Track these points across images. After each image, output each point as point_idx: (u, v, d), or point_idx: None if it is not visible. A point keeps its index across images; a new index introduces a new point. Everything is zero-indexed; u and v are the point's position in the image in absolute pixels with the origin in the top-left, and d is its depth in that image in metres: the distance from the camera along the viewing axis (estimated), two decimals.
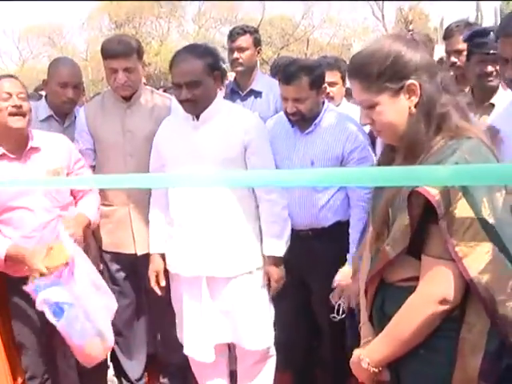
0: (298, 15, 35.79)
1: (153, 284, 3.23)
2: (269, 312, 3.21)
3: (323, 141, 3.09)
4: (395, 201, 1.74)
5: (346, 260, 3.03)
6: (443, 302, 1.63)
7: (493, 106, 3.10)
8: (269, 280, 3.13)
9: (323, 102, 3.18)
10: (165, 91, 4.75)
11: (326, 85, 3.17)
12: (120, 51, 3.29)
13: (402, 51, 1.72)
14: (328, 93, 3.66)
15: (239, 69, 4.23)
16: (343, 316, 2.95)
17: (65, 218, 3.00)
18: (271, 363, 3.36)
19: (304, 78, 3.01)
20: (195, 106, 3.00)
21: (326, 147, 3.08)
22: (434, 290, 1.64)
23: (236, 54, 4.20)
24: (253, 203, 3.11)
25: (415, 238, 1.67)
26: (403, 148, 1.76)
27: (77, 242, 2.92)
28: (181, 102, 3.00)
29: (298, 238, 3.10)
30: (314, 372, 3.44)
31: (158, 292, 3.23)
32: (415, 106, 1.72)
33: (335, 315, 2.94)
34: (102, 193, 3.40)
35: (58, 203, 3.06)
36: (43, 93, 4.60)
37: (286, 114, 3.11)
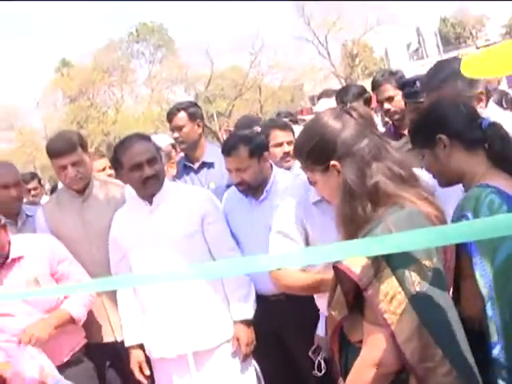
0: (246, 65, 36.34)
1: (137, 375, 3.23)
2: (255, 377, 3.27)
3: (277, 206, 3.08)
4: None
5: None
6: (380, 365, 1.66)
7: None
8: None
9: (271, 167, 3.28)
10: None
11: (267, 153, 3.26)
12: (64, 148, 3.36)
13: (323, 132, 1.83)
14: (288, 152, 3.76)
15: (182, 146, 4.30)
16: (324, 372, 2.94)
17: (23, 332, 2.97)
18: None
19: (242, 149, 3.12)
20: (158, 183, 3.10)
21: None
22: (371, 354, 1.68)
23: (176, 134, 4.27)
24: None
25: (357, 303, 1.72)
26: (339, 222, 1.82)
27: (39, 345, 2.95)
28: (144, 181, 3.06)
29: (269, 302, 3.15)
30: None
31: (145, 382, 3.24)
32: (342, 183, 1.79)
33: (317, 372, 2.95)
34: None
35: (41, 307, 3.09)
36: None
37: (235, 184, 3.23)
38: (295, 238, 2.67)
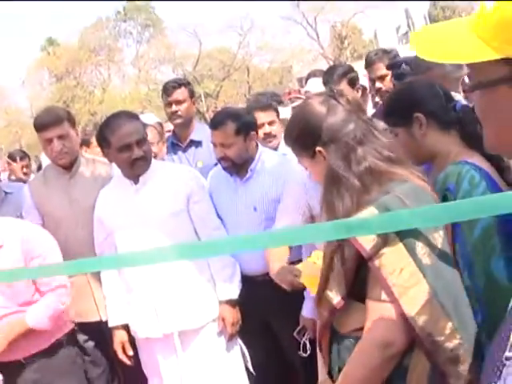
0: (235, 45, 36.19)
1: (121, 356, 3.23)
2: (240, 355, 3.27)
3: (261, 185, 3.17)
4: (334, 247, 1.75)
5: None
6: (387, 345, 1.61)
7: None
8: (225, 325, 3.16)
9: (257, 147, 3.26)
10: None
11: (254, 132, 3.24)
12: (50, 121, 3.36)
13: (308, 118, 1.83)
14: (270, 132, 3.82)
15: (178, 121, 4.26)
16: (309, 352, 2.97)
17: None
18: None
19: (230, 125, 3.10)
20: (147, 163, 3.08)
21: (265, 191, 3.15)
22: (377, 334, 1.63)
23: (174, 107, 4.24)
24: None
25: (361, 283, 1.69)
26: (323, 208, 1.81)
27: None
28: (132, 162, 3.03)
29: (255, 283, 3.14)
30: None
31: (128, 362, 3.25)
32: (326, 169, 1.79)
33: (302, 352, 2.95)
34: None
35: (15, 300, 3.01)
36: None
37: (218, 160, 3.21)
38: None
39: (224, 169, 3.22)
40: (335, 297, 1.74)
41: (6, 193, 3.69)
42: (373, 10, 34.57)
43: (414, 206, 1.62)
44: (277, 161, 3.27)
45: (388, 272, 1.61)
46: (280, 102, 4.79)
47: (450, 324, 1.60)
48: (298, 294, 2.96)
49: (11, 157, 6.05)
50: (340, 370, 1.76)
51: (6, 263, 2.92)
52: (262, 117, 3.84)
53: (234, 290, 3.16)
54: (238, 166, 3.19)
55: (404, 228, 1.42)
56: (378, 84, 3.87)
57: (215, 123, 3.16)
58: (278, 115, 4.06)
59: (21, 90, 38.45)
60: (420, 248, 1.62)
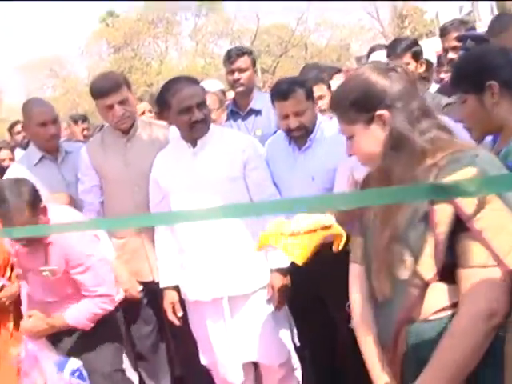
0: (293, 22, 35.78)
1: (170, 316, 3.28)
2: (287, 326, 3.26)
3: (320, 156, 3.12)
4: (404, 223, 1.65)
5: None
6: (493, 316, 1.51)
7: None
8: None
9: (317, 116, 3.22)
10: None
11: (314, 97, 3.22)
12: (110, 87, 3.37)
13: (372, 81, 1.72)
14: (319, 107, 3.74)
15: (240, 89, 4.28)
16: None
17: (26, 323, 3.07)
18: (296, 377, 3.40)
19: (299, 91, 3.06)
20: (206, 126, 3.09)
21: (324, 162, 3.10)
22: (481, 304, 1.52)
23: (237, 75, 4.25)
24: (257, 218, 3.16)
25: (447, 257, 1.58)
26: (380, 175, 1.74)
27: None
28: (192, 125, 3.04)
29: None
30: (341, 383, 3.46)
31: (177, 323, 3.28)
32: (389, 135, 1.70)
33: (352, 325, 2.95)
34: None
35: (53, 296, 3.14)
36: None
37: (288, 131, 3.12)
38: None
39: (292, 138, 3.17)
40: (428, 273, 1.60)
41: (66, 152, 3.73)
42: None
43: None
44: (335, 130, 3.19)
45: (492, 232, 1.51)
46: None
47: None
48: None
49: (72, 119, 6.13)
50: (420, 359, 1.62)
51: (52, 262, 3.02)
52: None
53: (285, 259, 3.11)
54: (308, 134, 3.13)
55: (506, 190, 1.37)
56: (450, 54, 3.74)
57: (284, 93, 3.07)
58: (328, 88, 4.00)
59: (80, 60, 39.04)
60: None
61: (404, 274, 1.64)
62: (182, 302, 3.31)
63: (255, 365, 3.44)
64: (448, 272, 1.59)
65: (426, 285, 1.61)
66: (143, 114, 4.56)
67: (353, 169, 2.70)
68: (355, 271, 1.95)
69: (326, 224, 2.30)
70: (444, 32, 3.93)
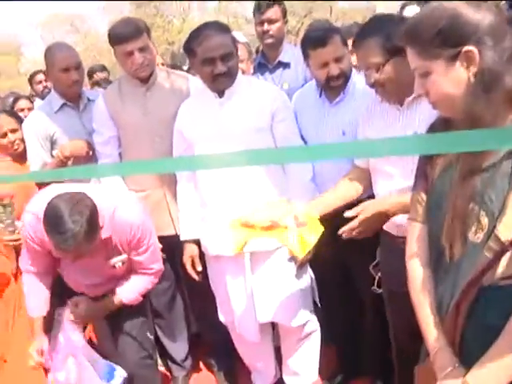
0: None
1: (189, 269, 3.21)
2: (309, 286, 3.17)
3: (353, 110, 2.96)
4: (485, 178, 1.49)
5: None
6: None
7: None
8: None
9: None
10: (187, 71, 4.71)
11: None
12: (131, 33, 3.23)
13: (459, 11, 1.48)
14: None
15: (269, 41, 4.14)
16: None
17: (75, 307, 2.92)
18: (315, 339, 3.34)
19: (336, 36, 2.91)
20: (230, 80, 2.96)
21: (357, 116, 2.92)
22: None
23: (266, 26, 4.11)
24: (283, 176, 3.07)
25: None
26: (461, 126, 1.49)
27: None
28: (215, 77, 2.92)
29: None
30: (358, 345, 3.40)
31: (195, 277, 3.22)
32: (475, 77, 1.47)
33: (376, 288, 2.83)
34: (132, 178, 3.39)
35: (98, 279, 2.95)
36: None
37: (328, 80, 2.94)
38: None
39: (330, 89, 3.01)
40: (506, 233, 1.43)
41: (88, 99, 3.62)
42: None
43: None
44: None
45: None
46: None
47: None
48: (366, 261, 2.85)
49: (92, 69, 6.05)
50: (489, 329, 1.50)
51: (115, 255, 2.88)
52: None
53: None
54: (346, 82, 3.00)
55: None
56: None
57: (322, 40, 2.88)
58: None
59: (101, 16, 38.86)
60: None
61: (478, 235, 1.50)
62: (203, 256, 3.24)
63: (273, 324, 3.37)
64: None
65: (502, 249, 1.44)
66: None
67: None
68: (415, 231, 1.75)
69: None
70: None
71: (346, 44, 2.96)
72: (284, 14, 4.18)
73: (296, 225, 2.40)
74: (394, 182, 2.46)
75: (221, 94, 3.00)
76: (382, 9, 34.86)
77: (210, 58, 2.89)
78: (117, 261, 2.83)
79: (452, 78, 1.51)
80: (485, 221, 1.48)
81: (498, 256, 1.45)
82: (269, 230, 2.40)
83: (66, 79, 3.51)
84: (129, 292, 2.94)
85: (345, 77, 2.95)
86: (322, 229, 2.46)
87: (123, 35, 3.24)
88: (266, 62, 4.19)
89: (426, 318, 1.67)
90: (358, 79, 3.03)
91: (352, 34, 3.75)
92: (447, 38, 1.49)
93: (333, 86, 2.97)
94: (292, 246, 2.36)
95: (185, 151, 3.14)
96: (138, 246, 2.81)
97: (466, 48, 1.47)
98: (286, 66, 4.10)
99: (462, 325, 1.57)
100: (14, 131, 3.63)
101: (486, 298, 1.51)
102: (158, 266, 2.98)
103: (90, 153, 3.46)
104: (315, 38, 2.94)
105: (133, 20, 3.49)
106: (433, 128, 1.72)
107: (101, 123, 3.44)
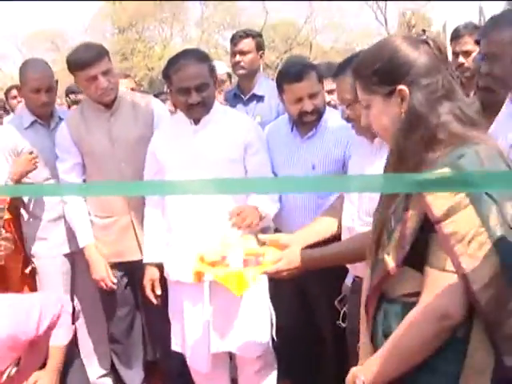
0: (301, 20, 35.76)
1: (148, 292, 3.19)
2: (268, 318, 3.16)
3: (324, 145, 3.04)
4: (394, 204, 1.64)
5: None
6: (446, 317, 1.52)
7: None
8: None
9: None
10: (156, 96, 4.73)
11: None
12: (94, 57, 3.20)
13: (397, 51, 1.63)
14: (329, 102, 3.63)
15: (241, 72, 4.20)
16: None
17: None
18: (272, 372, 3.31)
19: (312, 72, 2.98)
20: (204, 110, 2.98)
21: (327, 151, 3.03)
22: (436, 304, 1.52)
23: (238, 57, 4.18)
24: None
25: (418, 249, 1.56)
26: (392, 156, 1.66)
27: None
28: (189, 106, 2.94)
29: None
30: (316, 380, 3.38)
31: (154, 301, 3.20)
32: (405, 114, 1.62)
33: (341, 322, 2.82)
34: (99, 204, 3.37)
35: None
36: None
37: (301, 115, 3.00)
38: None
39: (302, 124, 3.07)
40: (391, 262, 1.60)
41: (60, 118, 3.60)
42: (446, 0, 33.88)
43: (491, 166, 1.49)
44: (340, 122, 3.11)
45: (457, 240, 1.47)
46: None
47: None
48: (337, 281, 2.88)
49: (69, 89, 6.04)
50: (384, 334, 1.67)
51: None
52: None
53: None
54: (319, 119, 3.05)
55: (479, 190, 1.34)
56: (461, 59, 3.62)
57: (298, 75, 2.95)
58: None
59: (82, 37, 38.70)
60: (493, 218, 1.47)
61: (380, 254, 1.67)
62: (164, 281, 3.22)
63: (231, 355, 3.35)
64: (421, 261, 1.58)
65: (387, 272, 1.62)
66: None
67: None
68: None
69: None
70: (457, 34, 3.79)
71: (321, 81, 3.02)
72: (258, 46, 4.23)
73: (243, 263, 2.38)
74: (356, 207, 2.47)
75: (196, 121, 3.02)
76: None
77: (185, 87, 2.91)
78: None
79: (388, 113, 1.66)
80: (386, 243, 1.65)
81: (385, 276, 1.64)
82: (213, 266, 2.42)
83: (36, 100, 3.48)
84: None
85: (318, 113, 3.01)
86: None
87: (86, 60, 3.20)
88: (241, 93, 4.23)
89: (362, 316, 1.83)
90: (330, 115, 3.10)
91: (331, 71, 3.85)
92: (383, 77, 1.64)
93: (305, 122, 3.03)
94: (229, 285, 2.35)
95: (155, 174, 3.14)
96: None
97: (399, 87, 1.61)
98: (259, 98, 4.14)
99: (370, 329, 1.75)
100: None
101: (385, 310, 1.69)
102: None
103: (37, 160, 3.38)
104: (292, 73, 2.99)
105: (93, 44, 3.47)
106: (387, 160, 1.82)
107: (64, 150, 3.40)
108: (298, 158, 3.09)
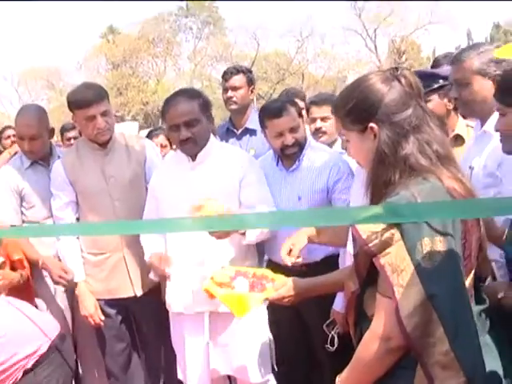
0: (292, 50, 36.20)
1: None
2: (268, 345, 3.20)
3: (308, 176, 3.16)
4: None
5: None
6: (388, 339, 1.64)
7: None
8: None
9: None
10: (150, 132, 4.83)
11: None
12: (94, 97, 3.28)
13: (368, 93, 1.77)
14: (320, 127, 3.77)
15: (233, 107, 4.30)
16: (336, 347, 2.89)
17: None
18: None
19: (291, 108, 3.13)
20: (195, 145, 3.03)
21: (311, 182, 3.14)
22: (379, 327, 1.67)
23: (230, 93, 4.28)
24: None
25: (373, 274, 1.70)
26: (368, 186, 1.80)
27: None
28: (180, 142, 3.02)
29: (292, 273, 3.07)
30: None
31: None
32: (376, 148, 1.76)
33: (329, 346, 2.90)
34: (91, 241, 3.41)
35: None
36: None
37: (283, 148, 3.14)
38: None
39: (284, 157, 3.20)
40: (353, 287, 1.82)
41: (59, 157, 3.64)
42: (435, 25, 34.30)
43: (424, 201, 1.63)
44: (324, 152, 3.27)
45: (391, 271, 1.63)
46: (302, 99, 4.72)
47: (441, 329, 1.58)
48: None
49: (63, 128, 6.11)
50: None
51: None
52: (315, 111, 3.84)
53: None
54: (301, 151, 3.17)
55: (410, 220, 1.49)
56: None
57: (277, 111, 3.12)
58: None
59: (77, 74, 39.07)
60: (420, 251, 1.60)
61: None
62: (166, 313, 3.26)
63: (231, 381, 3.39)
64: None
65: (353, 295, 1.83)
66: None
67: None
68: None
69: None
70: (436, 64, 3.91)
71: (301, 115, 3.16)
72: (249, 82, 4.34)
73: (250, 287, 2.46)
74: None
75: (193, 157, 3.09)
76: (353, 78, 35.78)
77: (175, 124, 3.00)
78: None
79: (363, 147, 1.82)
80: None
81: (351, 299, 1.86)
82: (220, 286, 2.49)
83: (21, 146, 3.57)
84: None
85: (299, 145, 3.15)
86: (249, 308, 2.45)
87: (86, 99, 3.28)
88: (234, 127, 4.33)
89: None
90: (314, 146, 3.26)
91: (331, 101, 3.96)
92: (356, 116, 1.80)
93: (287, 154, 3.16)
94: (230, 307, 2.43)
95: (154, 210, 3.20)
96: None
97: (370, 125, 1.77)
98: (252, 132, 4.23)
99: (355, 343, 1.88)
100: None
101: (363, 325, 1.82)
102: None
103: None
104: (271, 110, 3.16)
105: (93, 85, 3.56)
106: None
107: (59, 188, 3.45)
108: (283, 188, 3.19)
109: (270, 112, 3.16)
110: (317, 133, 3.79)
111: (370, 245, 1.64)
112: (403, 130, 1.73)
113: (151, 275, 3.14)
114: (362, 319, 1.85)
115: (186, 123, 2.97)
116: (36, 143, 3.55)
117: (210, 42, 38.23)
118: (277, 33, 52.65)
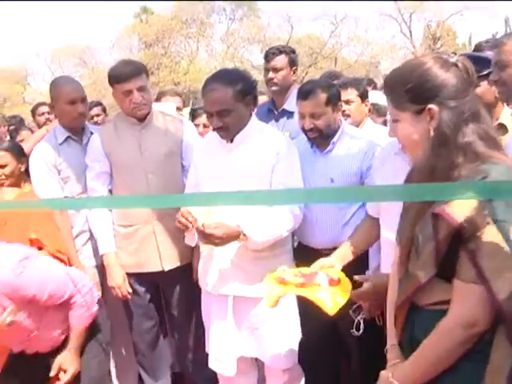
0: (326, 34, 35.81)
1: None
2: (296, 332, 3.18)
3: (342, 159, 3.13)
4: (421, 222, 1.74)
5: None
6: (473, 325, 1.64)
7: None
8: None
9: (340, 121, 3.23)
10: (194, 111, 4.77)
11: (341, 103, 3.25)
12: (131, 72, 3.34)
13: (430, 74, 1.75)
14: (344, 110, 3.69)
15: (274, 88, 4.29)
16: (361, 332, 2.84)
17: None
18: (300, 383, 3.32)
19: (321, 94, 3.09)
20: (227, 133, 2.99)
21: (345, 165, 3.13)
22: (464, 314, 1.65)
23: (271, 74, 4.26)
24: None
25: (445, 262, 1.67)
26: (417, 171, 1.78)
27: None
28: (214, 130, 3.01)
29: (321, 256, 2.97)
30: None
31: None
32: (434, 131, 1.74)
33: (354, 331, 2.83)
34: (123, 213, 3.43)
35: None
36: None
37: (304, 131, 3.16)
38: None
39: (309, 140, 3.19)
40: (424, 276, 1.73)
41: (91, 133, 3.67)
42: (471, 12, 33.74)
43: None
44: (358, 136, 3.24)
45: (483, 255, 1.59)
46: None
47: None
48: (361, 270, 2.92)
49: (89, 106, 6.10)
50: (411, 339, 1.82)
51: None
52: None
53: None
54: (324, 137, 3.13)
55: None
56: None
57: (305, 93, 3.11)
58: (360, 95, 3.90)
59: (110, 52, 39.26)
60: None
61: (410, 268, 1.79)
62: (195, 292, 3.28)
63: (258, 368, 3.37)
64: (449, 273, 1.69)
65: (418, 284, 1.75)
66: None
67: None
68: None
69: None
70: (477, 50, 3.82)
71: (330, 103, 3.09)
72: (291, 63, 4.30)
73: (328, 282, 2.47)
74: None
75: (230, 139, 3.04)
76: (387, 64, 35.54)
77: (208, 112, 2.97)
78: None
79: (416, 129, 1.78)
80: (415, 257, 1.77)
81: (417, 289, 1.76)
82: (302, 286, 2.49)
83: (72, 111, 3.57)
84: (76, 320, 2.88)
85: (319, 132, 3.10)
86: (349, 291, 2.52)
87: (123, 74, 3.34)
88: (274, 108, 4.29)
89: (390, 317, 1.97)
90: (348, 131, 3.22)
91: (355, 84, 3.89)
92: (415, 96, 1.77)
93: (310, 137, 3.15)
94: (323, 304, 2.40)
95: (195, 186, 3.20)
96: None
97: (429, 106, 1.74)
98: (290, 114, 4.20)
99: (399, 334, 1.89)
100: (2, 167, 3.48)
101: (415, 316, 1.82)
102: (69, 292, 2.82)
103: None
104: (301, 90, 3.17)
105: (132, 61, 3.65)
106: (409, 174, 1.92)
107: (94, 159, 3.49)
108: (317, 172, 3.17)
109: (300, 92, 3.17)
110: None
111: (465, 227, 1.60)
112: (463, 114, 1.72)
113: (187, 239, 3.09)
114: (412, 311, 1.83)
115: (217, 112, 2.92)
116: (86, 105, 3.68)
117: (243, 23, 38.02)
118: (310, 16, 52.30)
